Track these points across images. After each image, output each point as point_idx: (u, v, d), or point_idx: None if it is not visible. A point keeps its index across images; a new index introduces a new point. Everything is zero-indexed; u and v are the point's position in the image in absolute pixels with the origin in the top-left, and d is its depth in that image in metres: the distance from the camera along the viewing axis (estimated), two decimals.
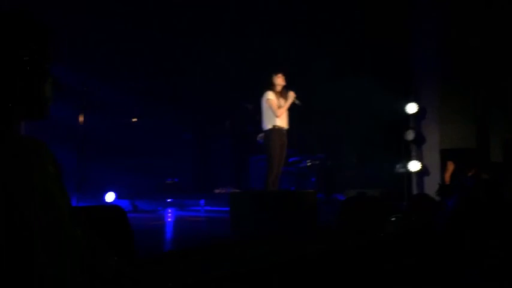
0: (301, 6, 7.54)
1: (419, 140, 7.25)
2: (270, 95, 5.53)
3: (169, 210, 7.37)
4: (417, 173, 7.16)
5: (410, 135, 7.21)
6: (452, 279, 2.70)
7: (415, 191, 7.16)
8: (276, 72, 5.67)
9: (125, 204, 6.99)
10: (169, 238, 4.37)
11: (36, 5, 5.58)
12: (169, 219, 6.16)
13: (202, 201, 7.84)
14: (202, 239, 4.06)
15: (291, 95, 5.59)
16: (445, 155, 6.52)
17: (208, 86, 8.25)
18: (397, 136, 7.34)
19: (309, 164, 8.11)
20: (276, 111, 5.49)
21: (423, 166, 7.12)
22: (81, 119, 5.83)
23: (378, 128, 7.45)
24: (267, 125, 5.56)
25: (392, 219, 3.80)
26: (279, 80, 5.64)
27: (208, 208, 7.77)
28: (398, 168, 7.37)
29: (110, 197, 7.42)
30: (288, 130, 5.67)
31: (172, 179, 8.27)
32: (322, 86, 7.86)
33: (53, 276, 0.91)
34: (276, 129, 5.52)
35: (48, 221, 0.95)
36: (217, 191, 8.49)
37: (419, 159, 7.19)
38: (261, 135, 5.80)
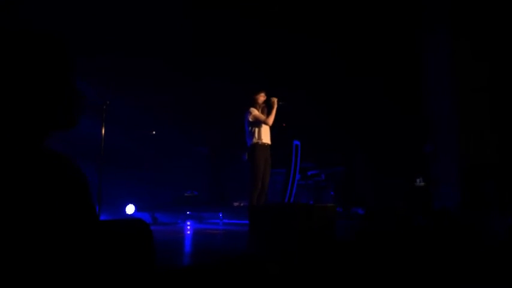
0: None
1: (439, 152, 7.14)
2: (254, 111, 5.61)
3: (188, 223, 7.40)
4: (436, 186, 7.04)
5: (429, 147, 7.12)
6: None
7: (433, 203, 7.05)
8: (259, 91, 5.76)
9: (145, 216, 7.05)
10: (188, 252, 4.38)
11: (56, 20, 5.76)
12: (188, 232, 6.18)
13: (220, 214, 7.86)
14: (221, 253, 4.06)
15: (274, 101, 5.64)
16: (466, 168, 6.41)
17: (224, 100, 8.31)
18: (415, 148, 7.27)
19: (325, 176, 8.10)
20: (266, 120, 5.57)
21: (441, 179, 7.00)
22: (102, 133, 5.92)
23: (396, 141, 7.39)
24: (251, 141, 5.61)
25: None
26: (261, 99, 5.71)
27: (227, 221, 7.78)
28: (419, 182, 7.27)
29: (130, 209, 7.51)
30: (270, 146, 5.72)
31: (191, 192, 8.32)
32: (340, 99, 7.87)
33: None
34: (260, 145, 5.56)
35: (75, 234, 0.97)
36: (235, 204, 8.50)
37: (438, 171, 7.07)
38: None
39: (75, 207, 0.97)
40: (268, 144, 5.69)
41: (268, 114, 5.63)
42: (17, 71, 1.02)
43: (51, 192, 0.94)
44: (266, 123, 5.60)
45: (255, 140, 5.60)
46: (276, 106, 5.64)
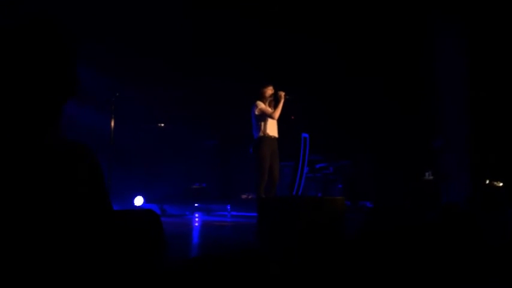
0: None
1: (448, 147, 7.08)
2: (260, 104, 5.60)
3: (197, 215, 7.43)
4: (445, 180, 6.98)
5: (438, 141, 7.06)
6: None
7: (442, 199, 7.00)
8: (267, 85, 5.74)
9: (153, 208, 7.09)
10: (196, 243, 4.40)
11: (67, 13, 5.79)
12: (196, 224, 6.21)
13: (228, 206, 7.88)
14: (229, 246, 4.07)
15: (281, 95, 5.63)
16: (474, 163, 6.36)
17: (232, 91, 8.30)
18: (423, 143, 7.22)
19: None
20: (272, 113, 5.56)
21: (451, 174, 6.94)
22: (111, 125, 5.95)
23: (405, 135, 7.35)
24: (257, 134, 5.60)
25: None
26: (269, 92, 5.70)
27: (235, 213, 7.79)
28: (428, 176, 7.23)
29: (138, 201, 7.55)
30: (277, 139, 5.71)
31: (199, 184, 8.34)
32: (348, 92, 7.83)
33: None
34: (266, 138, 5.57)
35: (86, 221, 0.98)
36: (243, 196, 8.52)
37: (447, 166, 7.02)
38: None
39: (91, 194, 0.97)
40: (275, 137, 5.68)
41: (275, 107, 5.62)
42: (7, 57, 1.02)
43: (68, 179, 0.94)
44: (272, 117, 5.59)
45: (261, 133, 5.60)
46: (283, 100, 5.62)
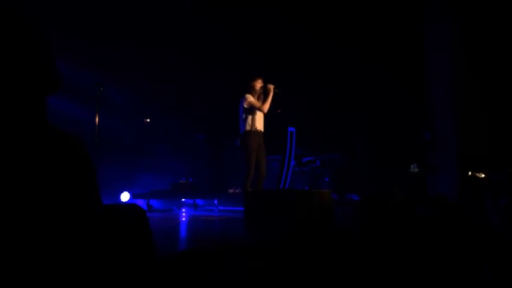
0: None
1: (436, 139, 7.13)
2: (249, 97, 5.59)
3: (184, 210, 7.41)
4: (432, 173, 7.05)
5: (426, 134, 7.11)
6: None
7: (428, 191, 7.06)
8: (256, 77, 5.73)
9: (140, 203, 7.05)
10: (183, 237, 4.39)
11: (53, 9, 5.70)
12: (183, 219, 6.18)
13: (215, 201, 7.87)
14: (216, 239, 4.06)
15: (271, 88, 5.63)
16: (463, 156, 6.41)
17: (220, 85, 8.26)
18: (412, 135, 7.27)
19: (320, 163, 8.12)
20: (261, 107, 5.56)
21: (438, 166, 7.01)
22: (96, 119, 5.88)
23: (393, 127, 7.40)
24: (245, 127, 5.60)
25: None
26: (258, 85, 5.69)
27: (222, 208, 7.79)
28: (413, 168, 7.29)
29: (124, 196, 7.50)
30: (264, 133, 5.72)
31: (186, 179, 8.31)
32: (337, 84, 7.84)
33: None
34: (253, 132, 5.57)
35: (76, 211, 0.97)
36: (230, 190, 8.51)
37: (435, 158, 7.08)
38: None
39: (80, 185, 0.97)
40: (261, 131, 5.68)
41: (264, 101, 5.61)
42: None
43: (59, 169, 0.94)
44: (261, 110, 5.58)
45: (248, 127, 5.59)
46: (272, 93, 5.61)
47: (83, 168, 0.99)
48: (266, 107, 5.59)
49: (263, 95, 5.69)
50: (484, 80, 6.59)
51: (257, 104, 5.59)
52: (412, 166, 7.29)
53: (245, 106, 5.59)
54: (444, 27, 6.90)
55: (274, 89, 5.63)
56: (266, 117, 5.75)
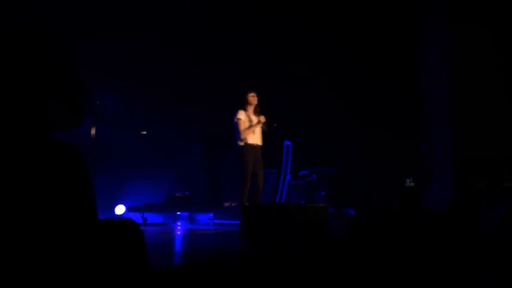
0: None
1: (431, 149, 7.10)
2: (240, 115, 5.62)
3: (179, 223, 7.36)
4: (428, 184, 7.01)
5: (422, 145, 7.10)
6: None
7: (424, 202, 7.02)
8: (249, 90, 5.73)
9: (135, 217, 7.01)
10: (179, 251, 4.35)
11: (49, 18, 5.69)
12: (178, 233, 6.14)
13: (211, 215, 7.83)
14: (213, 252, 4.03)
15: (261, 119, 5.65)
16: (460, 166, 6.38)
17: (216, 99, 8.27)
18: (409, 148, 7.27)
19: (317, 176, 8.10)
20: (241, 132, 5.57)
21: (434, 176, 6.97)
22: (92, 131, 5.86)
23: (389, 140, 7.41)
24: (239, 142, 5.60)
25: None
26: (252, 98, 5.69)
27: (218, 221, 7.74)
28: (409, 182, 7.28)
29: (120, 209, 7.45)
30: (261, 146, 5.71)
31: (182, 192, 8.27)
32: (330, 97, 7.87)
33: None
34: (247, 146, 5.56)
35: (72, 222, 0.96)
36: (226, 204, 8.47)
37: (431, 167, 7.03)
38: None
39: (78, 200, 0.96)
40: (257, 144, 5.67)
41: (249, 127, 5.60)
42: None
43: (57, 178, 0.93)
44: (241, 135, 5.56)
45: (241, 143, 5.60)
46: (258, 125, 5.62)
47: (81, 183, 0.99)
48: (245, 135, 5.57)
49: (259, 108, 5.70)
50: (484, 83, 6.58)
51: (241, 127, 5.59)
52: (408, 180, 7.29)
53: (235, 121, 5.63)
54: (440, 29, 6.89)
55: (263, 123, 5.64)
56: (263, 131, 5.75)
